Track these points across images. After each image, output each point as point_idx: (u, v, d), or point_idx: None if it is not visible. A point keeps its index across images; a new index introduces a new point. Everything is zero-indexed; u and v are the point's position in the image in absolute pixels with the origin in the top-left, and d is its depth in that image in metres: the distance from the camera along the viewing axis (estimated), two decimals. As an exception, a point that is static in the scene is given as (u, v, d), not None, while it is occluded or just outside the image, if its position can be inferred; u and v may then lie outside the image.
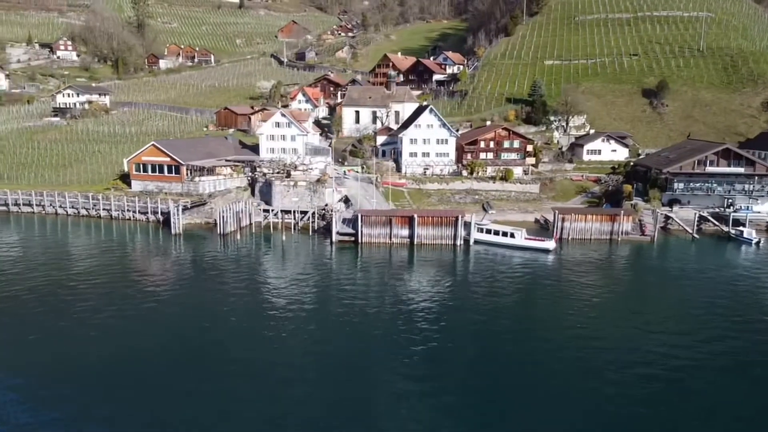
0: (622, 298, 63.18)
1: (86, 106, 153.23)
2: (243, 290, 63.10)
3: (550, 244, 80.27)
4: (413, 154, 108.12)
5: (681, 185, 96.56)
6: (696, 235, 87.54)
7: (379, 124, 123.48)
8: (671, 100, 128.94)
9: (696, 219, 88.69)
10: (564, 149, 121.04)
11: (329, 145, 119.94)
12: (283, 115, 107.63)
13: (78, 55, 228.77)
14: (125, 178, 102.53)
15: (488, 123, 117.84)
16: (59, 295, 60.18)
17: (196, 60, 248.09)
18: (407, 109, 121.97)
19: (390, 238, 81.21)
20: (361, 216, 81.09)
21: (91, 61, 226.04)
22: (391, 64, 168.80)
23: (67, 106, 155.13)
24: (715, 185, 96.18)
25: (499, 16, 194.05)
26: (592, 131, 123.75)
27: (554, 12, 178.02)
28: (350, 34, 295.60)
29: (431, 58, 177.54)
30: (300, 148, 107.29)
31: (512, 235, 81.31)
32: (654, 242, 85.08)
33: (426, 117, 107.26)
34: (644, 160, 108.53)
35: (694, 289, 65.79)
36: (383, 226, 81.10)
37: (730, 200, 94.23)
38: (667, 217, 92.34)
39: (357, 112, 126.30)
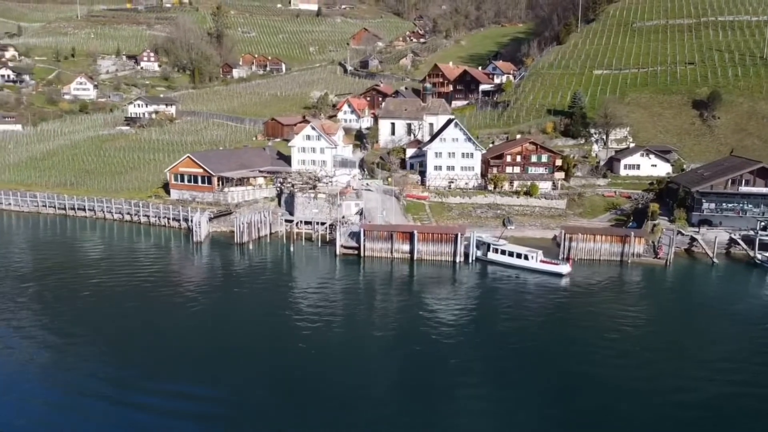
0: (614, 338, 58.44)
1: (153, 115, 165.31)
2: (237, 294, 67.63)
3: (564, 268, 77.38)
4: (438, 168, 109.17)
5: (712, 205, 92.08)
6: (716, 260, 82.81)
7: (412, 137, 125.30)
8: (724, 112, 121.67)
9: (716, 242, 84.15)
10: (601, 163, 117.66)
11: (362, 158, 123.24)
12: (312, 128, 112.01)
13: (159, 66, 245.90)
14: (167, 187, 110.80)
15: (518, 136, 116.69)
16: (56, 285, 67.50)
17: (267, 68, 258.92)
18: (441, 122, 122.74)
19: (391, 252, 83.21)
20: (364, 230, 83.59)
21: (171, 71, 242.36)
22: (440, 73, 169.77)
23: (137, 115, 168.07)
24: (749, 206, 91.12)
25: (557, 23, 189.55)
26: (632, 145, 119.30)
27: (611, 19, 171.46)
28: (422, 40, 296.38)
29: (479, 67, 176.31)
30: (328, 160, 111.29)
31: (526, 257, 79.03)
32: (668, 266, 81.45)
33: (451, 131, 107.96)
34: (678, 177, 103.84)
35: (696, 325, 62.81)
36: (385, 241, 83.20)
37: (765, 223, 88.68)
38: (693, 239, 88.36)
39: (393, 124, 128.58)
